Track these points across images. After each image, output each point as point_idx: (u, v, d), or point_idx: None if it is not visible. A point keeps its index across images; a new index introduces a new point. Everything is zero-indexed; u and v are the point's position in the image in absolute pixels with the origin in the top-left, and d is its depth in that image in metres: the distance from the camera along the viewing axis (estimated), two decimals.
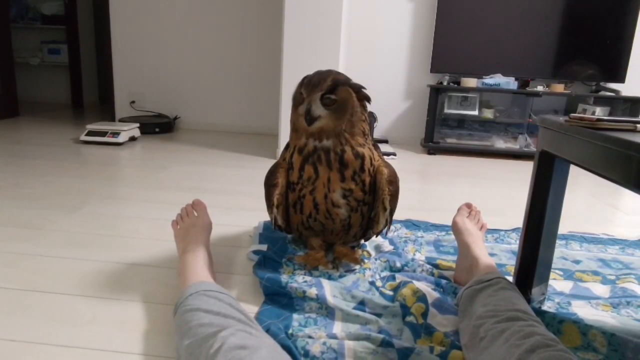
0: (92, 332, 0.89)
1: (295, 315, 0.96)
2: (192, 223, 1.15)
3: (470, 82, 2.98)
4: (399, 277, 1.12)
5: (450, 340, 0.88)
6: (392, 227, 1.48)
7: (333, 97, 1.02)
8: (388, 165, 1.14)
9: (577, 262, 1.33)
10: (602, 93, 3.04)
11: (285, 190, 1.12)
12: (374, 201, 1.13)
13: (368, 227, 1.19)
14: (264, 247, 1.26)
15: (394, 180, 1.12)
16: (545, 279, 1.05)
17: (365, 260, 1.21)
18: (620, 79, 3.03)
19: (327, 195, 1.08)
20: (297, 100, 1.06)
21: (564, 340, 0.90)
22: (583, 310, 1.03)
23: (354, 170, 1.06)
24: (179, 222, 1.18)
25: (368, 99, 1.09)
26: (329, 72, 1.04)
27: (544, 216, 0.98)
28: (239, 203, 1.77)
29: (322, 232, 1.18)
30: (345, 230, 1.17)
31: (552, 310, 1.02)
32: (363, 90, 1.08)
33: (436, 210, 1.80)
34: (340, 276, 1.11)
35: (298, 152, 1.07)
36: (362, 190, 1.09)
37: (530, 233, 1.01)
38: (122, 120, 3.29)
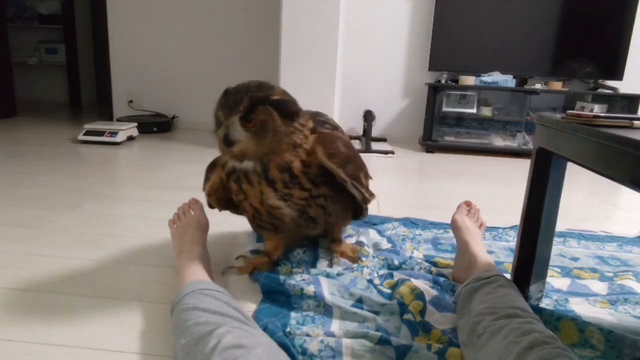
0: (89, 331, 0.89)
1: (292, 314, 0.96)
2: (188, 222, 1.15)
3: (469, 80, 2.98)
4: (397, 275, 1.12)
5: (448, 338, 0.88)
6: (390, 225, 1.47)
7: (251, 118, 0.91)
8: (323, 139, 0.99)
9: (575, 259, 1.33)
10: (600, 90, 3.04)
11: (222, 186, 1.06)
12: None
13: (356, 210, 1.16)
14: (261, 246, 1.26)
15: (335, 152, 0.98)
16: (543, 276, 1.05)
17: (363, 259, 1.21)
18: (618, 76, 3.03)
19: (263, 202, 1.00)
20: (216, 121, 0.95)
21: (561, 337, 0.90)
22: (581, 307, 1.03)
23: (283, 181, 0.96)
24: (176, 221, 1.18)
25: (292, 115, 0.95)
26: (247, 89, 0.93)
27: (542, 213, 0.98)
28: None
29: (280, 229, 1.09)
30: (312, 224, 1.08)
31: (549, 307, 1.02)
32: (288, 105, 0.95)
33: (434, 208, 1.80)
34: (338, 274, 1.11)
35: (221, 167, 1.01)
36: (302, 189, 0.98)
37: (527, 230, 1.01)
38: (119, 120, 3.28)
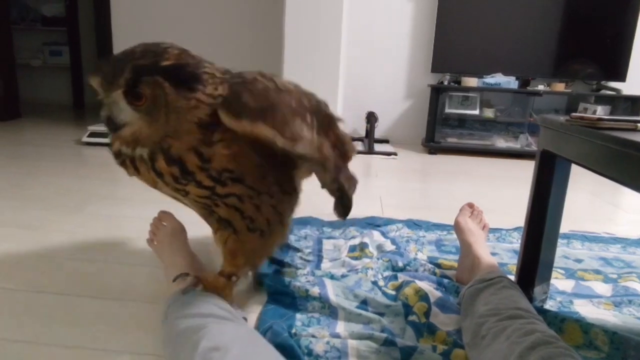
0: (94, 332, 0.90)
1: (298, 315, 0.97)
2: (164, 234, 1.15)
3: (471, 81, 2.98)
4: (401, 277, 1.12)
5: (452, 339, 0.88)
6: (394, 227, 1.47)
7: (139, 93, 0.71)
8: (225, 100, 0.74)
9: (579, 261, 1.33)
10: (603, 92, 3.04)
11: None
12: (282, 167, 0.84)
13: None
14: None
15: (242, 104, 0.74)
16: (547, 278, 1.05)
17: (367, 260, 1.22)
18: (621, 77, 3.03)
19: (156, 185, 0.81)
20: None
21: (565, 339, 0.91)
22: (585, 309, 1.03)
23: (173, 175, 0.76)
24: (153, 238, 1.18)
25: (190, 84, 0.72)
26: (130, 56, 0.72)
27: (546, 215, 0.98)
28: None
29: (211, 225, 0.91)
30: (230, 228, 0.86)
31: (554, 309, 1.03)
32: (184, 71, 0.72)
33: (437, 210, 1.80)
34: (343, 276, 1.12)
35: (109, 146, 0.82)
36: (200, 186, 0.78)
37: (531, 232, 1.02)
38: None
